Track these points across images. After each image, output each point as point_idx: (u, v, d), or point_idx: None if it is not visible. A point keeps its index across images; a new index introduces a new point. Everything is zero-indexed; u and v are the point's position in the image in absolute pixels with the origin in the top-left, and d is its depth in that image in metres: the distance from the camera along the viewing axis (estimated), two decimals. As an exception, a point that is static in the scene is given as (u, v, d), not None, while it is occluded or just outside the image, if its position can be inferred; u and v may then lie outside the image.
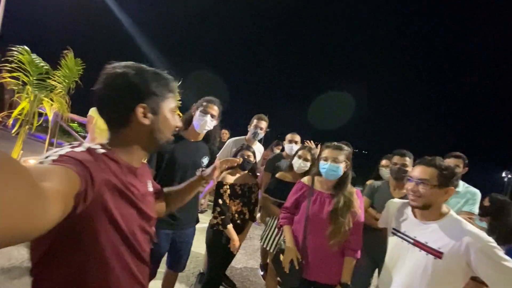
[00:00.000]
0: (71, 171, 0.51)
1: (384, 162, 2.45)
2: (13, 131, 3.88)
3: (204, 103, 1.76)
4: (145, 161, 0.93)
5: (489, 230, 1.81)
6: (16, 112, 3.70)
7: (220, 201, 1.91)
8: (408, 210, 1.36)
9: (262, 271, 2.81)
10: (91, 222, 0.58)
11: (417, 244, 1.24)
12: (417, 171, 1.26)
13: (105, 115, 0.73)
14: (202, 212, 4.16)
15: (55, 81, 4.01)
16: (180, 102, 6.03)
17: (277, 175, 2.31)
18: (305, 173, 2.11)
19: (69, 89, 4.16)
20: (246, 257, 3.17)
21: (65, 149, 0.58)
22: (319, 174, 1.67)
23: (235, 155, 2.03)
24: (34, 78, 3.85)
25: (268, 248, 2.22)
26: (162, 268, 1.79)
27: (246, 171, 2.06)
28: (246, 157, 2.00)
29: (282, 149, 3.25)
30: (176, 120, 0.82)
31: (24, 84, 3.78)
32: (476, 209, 1.99)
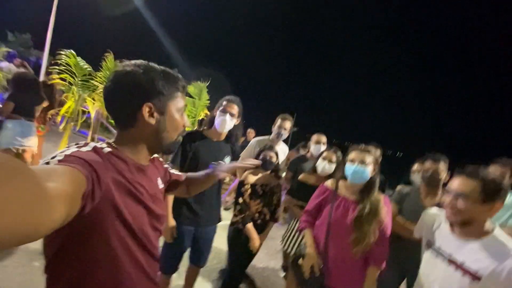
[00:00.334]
0: (77, 171, 0.51)
1: (416, 166, 2.25)
2: (61, 127, 4.34)
3: (224, 102, 1.77)
4: (160, 158, 0.93)
5: None
6: (63, 110, 4.13)
7: (241, 200, 1.92)
8: (446, 223, 1.21)
9: (284, 272, 2.79)
10: (100, 220, 0.59)
11: (452, 262, 1.10)
12: (456, 183, 1.11)
13: (112, 113, 0.72)
14: (227, 209, 4.23)
15: (97, 81, 4.38)
16: (208, 101, 6.22)
17: (299, 177, 2.26)
18: (330, 176, 2.03)
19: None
20: (268, 257, 3.15)
21: (71, 149, 0.58)
22: (344, 178, 1.59)
23: (258, 155, 2.02)
24: (79, 79, 4.26)
25: (287, 251, 2.18)
26: (185, 263, 1.85)
27: (269, 172, 2.04)
28: (268, 157, 1.97)
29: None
30: (184, 120, 0.80)
31: (70, 84, 4.20)
32: None
